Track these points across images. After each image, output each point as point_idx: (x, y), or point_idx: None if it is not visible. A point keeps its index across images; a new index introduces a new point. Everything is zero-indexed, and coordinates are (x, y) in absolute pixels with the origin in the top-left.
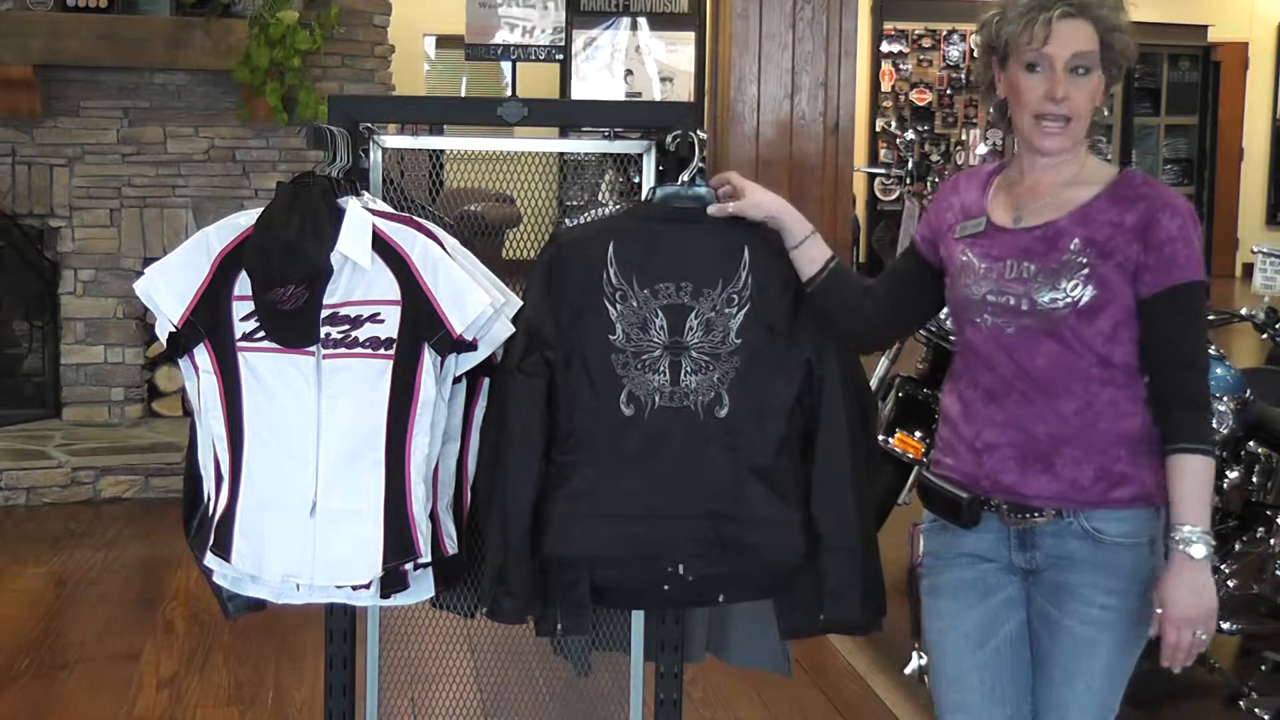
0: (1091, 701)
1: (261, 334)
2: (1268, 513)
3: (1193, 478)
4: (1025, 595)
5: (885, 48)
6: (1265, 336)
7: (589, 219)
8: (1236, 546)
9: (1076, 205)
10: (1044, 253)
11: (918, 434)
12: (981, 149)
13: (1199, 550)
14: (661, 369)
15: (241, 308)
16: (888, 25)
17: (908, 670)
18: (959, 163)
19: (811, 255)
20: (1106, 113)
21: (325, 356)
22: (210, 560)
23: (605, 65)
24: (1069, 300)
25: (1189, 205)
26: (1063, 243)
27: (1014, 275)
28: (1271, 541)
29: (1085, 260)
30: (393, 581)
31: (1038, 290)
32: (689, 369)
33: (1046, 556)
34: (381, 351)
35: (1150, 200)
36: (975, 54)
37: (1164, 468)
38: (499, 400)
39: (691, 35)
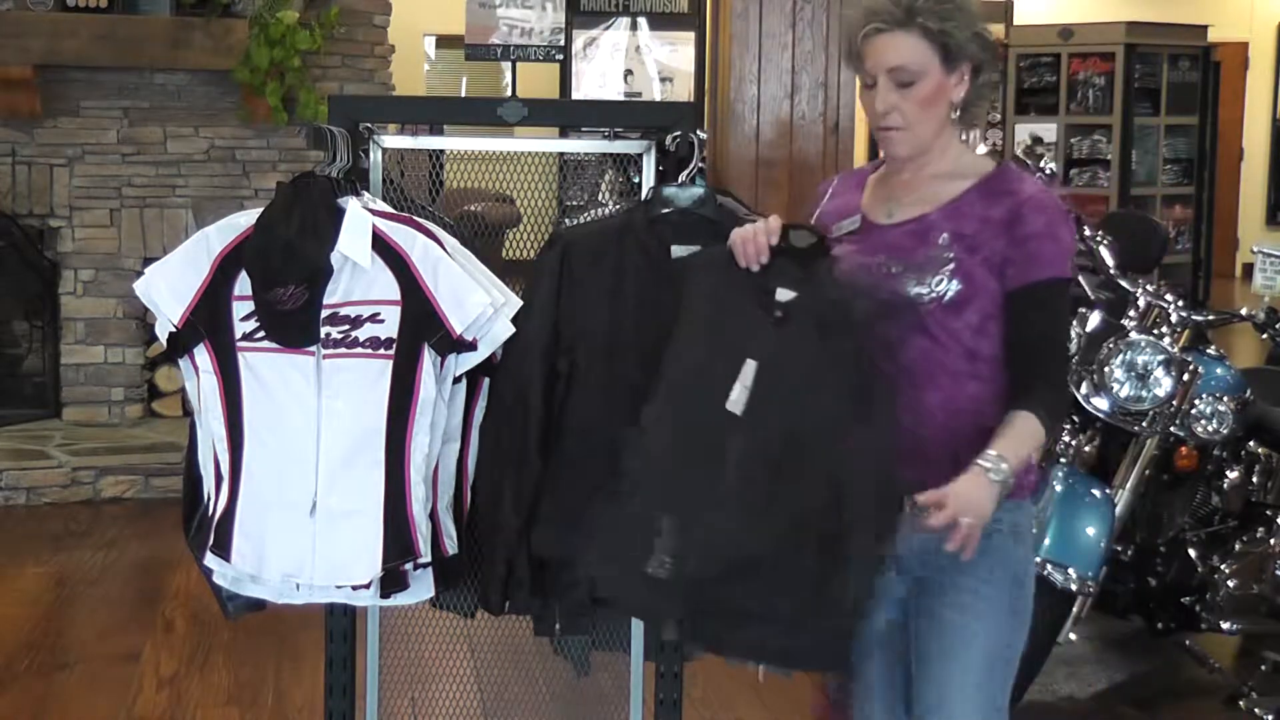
0: (972, 691)
1: (261, 334)
2: (1268, 513)
3: (1020, 426)
4: (902, 592)
5: None
6: (1265, 336)
7: (589, 219)
8: (1236, 546)
9: (947, 200)
10: (912, 248)
11: None
12: (981, 149)
13: (996, 475)
14: None
15: (241, 308)
16: None
17: None
18: None
19: None
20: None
21: (325, 356)
22: (210, 560)
23: (605, 65)
24: (934, 295)
25: (1057, 202)
26: (932, 237)
27: (884, 272)
28: (1271, 541)
29: (952, 255)
30: (393, 581)
31: (905, 285)
32: None
33: (914, 541)
34: (381, 351)
35: (1017, 195)
36: None
37: (1025, 459)
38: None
39: (691, 35)
